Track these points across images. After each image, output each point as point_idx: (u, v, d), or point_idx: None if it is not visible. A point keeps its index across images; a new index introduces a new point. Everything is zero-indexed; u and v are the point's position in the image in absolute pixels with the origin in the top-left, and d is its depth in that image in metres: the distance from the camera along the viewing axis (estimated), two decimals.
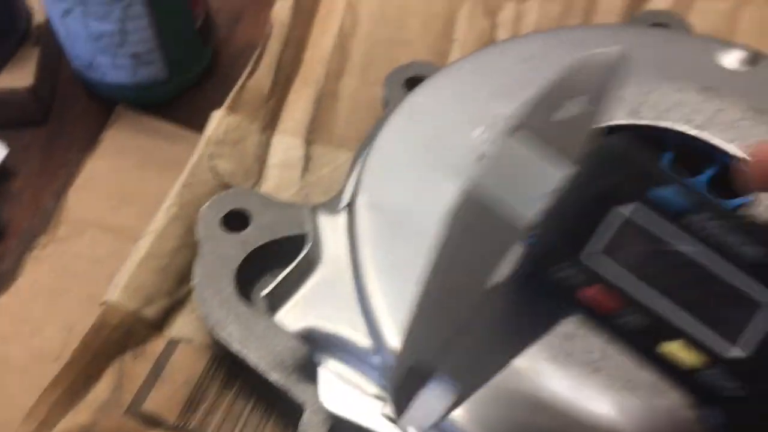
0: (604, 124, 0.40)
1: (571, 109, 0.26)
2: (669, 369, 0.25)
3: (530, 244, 0.25)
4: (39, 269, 0.46)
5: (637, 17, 0.51)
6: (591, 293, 0.25)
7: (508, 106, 0.42)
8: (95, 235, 0.47)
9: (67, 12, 0.48)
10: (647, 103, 0.42)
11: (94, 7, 0.47)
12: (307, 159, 0.49)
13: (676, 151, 0.43)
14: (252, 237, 0.42)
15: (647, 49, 0.44)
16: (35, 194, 0.50)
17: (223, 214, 0.43)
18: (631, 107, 0.42)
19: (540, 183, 0.25)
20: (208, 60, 0.56)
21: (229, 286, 0.41)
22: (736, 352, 0.24)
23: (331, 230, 0.40)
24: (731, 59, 0.44)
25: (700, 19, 0.52)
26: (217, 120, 0.48)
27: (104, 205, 0.49)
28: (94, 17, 0.48)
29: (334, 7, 0.55)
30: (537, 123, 0.27)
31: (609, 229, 0.25)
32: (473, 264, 0.26)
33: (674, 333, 0.24)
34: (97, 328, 0.41)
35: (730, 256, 0.24)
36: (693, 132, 0.42)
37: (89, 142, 0.52)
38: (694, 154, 0.42)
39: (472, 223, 0.26)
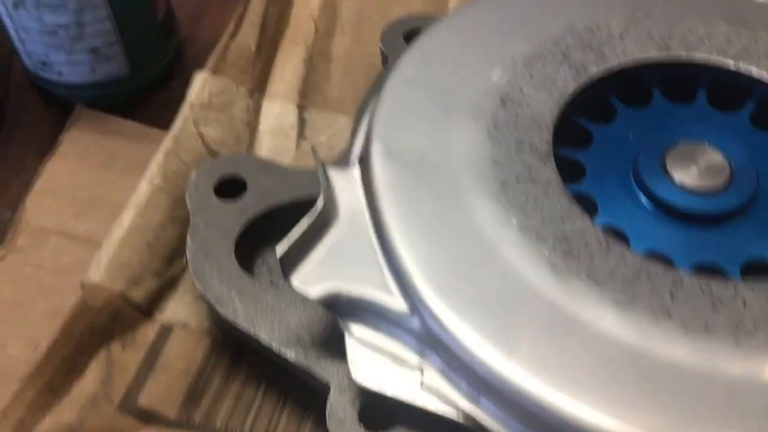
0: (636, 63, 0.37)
1: None
2: None
3: None
4: None
5: None
6: None
7: (525, 46, 0.38)
8: (58, 243, 0.42)
9: (17, 4, 0.43)
10: (675, 37, 0.39)
11: None
12: (302, 125, 0.44)
13: (710, 87, 0.39)
14: (250, 204, 0.37)
15: None
16: None
17: (216, 182, 0.37)
18: (659, 42, 0.39)
19: None
20: (172, 55, 0.51)
21: (229, 259, 0.35)
22: None
23: (344, 186, 0.35)
24: None
25: None
26: (201, 83, 0.42)
27: (67, 211, 0.43)
28: (48, 9, 0.43)
29: None
30: None
31: None
32: None
33: None
34: (78, 313, 0.34)
35: None
36: (729, 63, 0.38)
37: (47, 146, 0.46)
38: (730, 88, 0.39)
39: None
